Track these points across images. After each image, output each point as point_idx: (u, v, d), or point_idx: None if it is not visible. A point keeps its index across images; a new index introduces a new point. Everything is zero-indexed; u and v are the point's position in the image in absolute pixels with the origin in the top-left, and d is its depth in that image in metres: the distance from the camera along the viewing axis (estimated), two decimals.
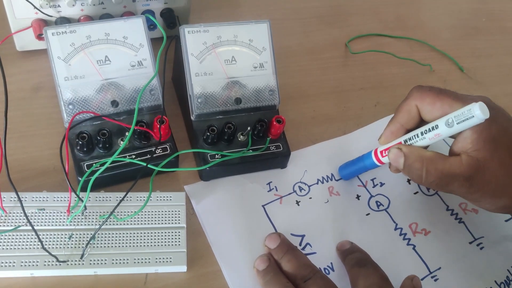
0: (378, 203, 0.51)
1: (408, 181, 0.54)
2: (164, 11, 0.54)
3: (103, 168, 0.41)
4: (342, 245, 0.47)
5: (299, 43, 0.64)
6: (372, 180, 0.53)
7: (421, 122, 0.45)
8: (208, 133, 0.48)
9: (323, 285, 0.41)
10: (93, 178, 0.41)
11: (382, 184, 0.53)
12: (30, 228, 0.41)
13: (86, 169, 0.44)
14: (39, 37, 0.50)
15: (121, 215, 0.43)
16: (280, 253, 0.44)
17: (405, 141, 0.44)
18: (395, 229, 0.50)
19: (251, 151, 0.49)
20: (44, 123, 0.50)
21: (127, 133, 0.45)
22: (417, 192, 0.53)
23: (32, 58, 0.54)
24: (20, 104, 0.50)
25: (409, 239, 0.49)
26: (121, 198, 0.42)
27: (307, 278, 0.42)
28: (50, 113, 0.51)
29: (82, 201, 0.42)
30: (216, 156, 0.48)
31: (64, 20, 0.51)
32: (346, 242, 0.47)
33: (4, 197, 0.42)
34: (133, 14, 0.53)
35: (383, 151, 0.46)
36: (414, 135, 0.43)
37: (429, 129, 0.42)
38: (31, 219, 0.42)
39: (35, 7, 0.48)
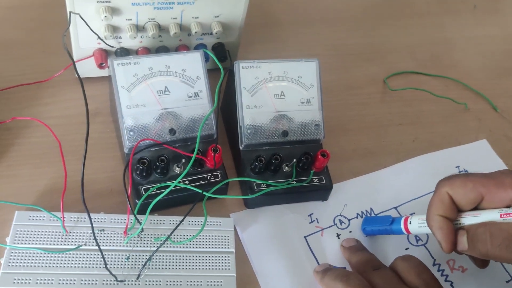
0: (417, 238, 0.53)
1: None
2: (216, 45, 0.57)
3: (166, 191, 0.43)
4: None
5: (339, 78, 0.67)
6: (411, 214, 0.54)
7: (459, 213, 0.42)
8: (256, 163, 0.50)
9: (388, 278, 0.43)
10: (154, 201, 0.43)
11: None
12: (90, 247, 0.43)
13: (143, 193, 0.46)
14: (101, 66, 0.54)
15: (175, 238, 0.45)
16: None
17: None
18: (433, 264, 0.51)
19: (295, 182, 0.51)
20: (101, 147, 0.53)
21: (183, 160, 0.47)
22: None
23: (89, 85, 0.56)
24: (79, 128, 0.53)
25: (447, 275, 0.50)
26: (176, 222, 0.45)
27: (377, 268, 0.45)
28: (106, 138, 0.53)
29: (140, 223, 0.44)
30: (262, 186, 0.50)
31: (124, 51, 0.54)
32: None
33: (64, 217, 0.45)
34: (187, 47, 0.56)
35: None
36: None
37: None
38: (92, 239, 0.44)
39: (99, 37, 0.51)
